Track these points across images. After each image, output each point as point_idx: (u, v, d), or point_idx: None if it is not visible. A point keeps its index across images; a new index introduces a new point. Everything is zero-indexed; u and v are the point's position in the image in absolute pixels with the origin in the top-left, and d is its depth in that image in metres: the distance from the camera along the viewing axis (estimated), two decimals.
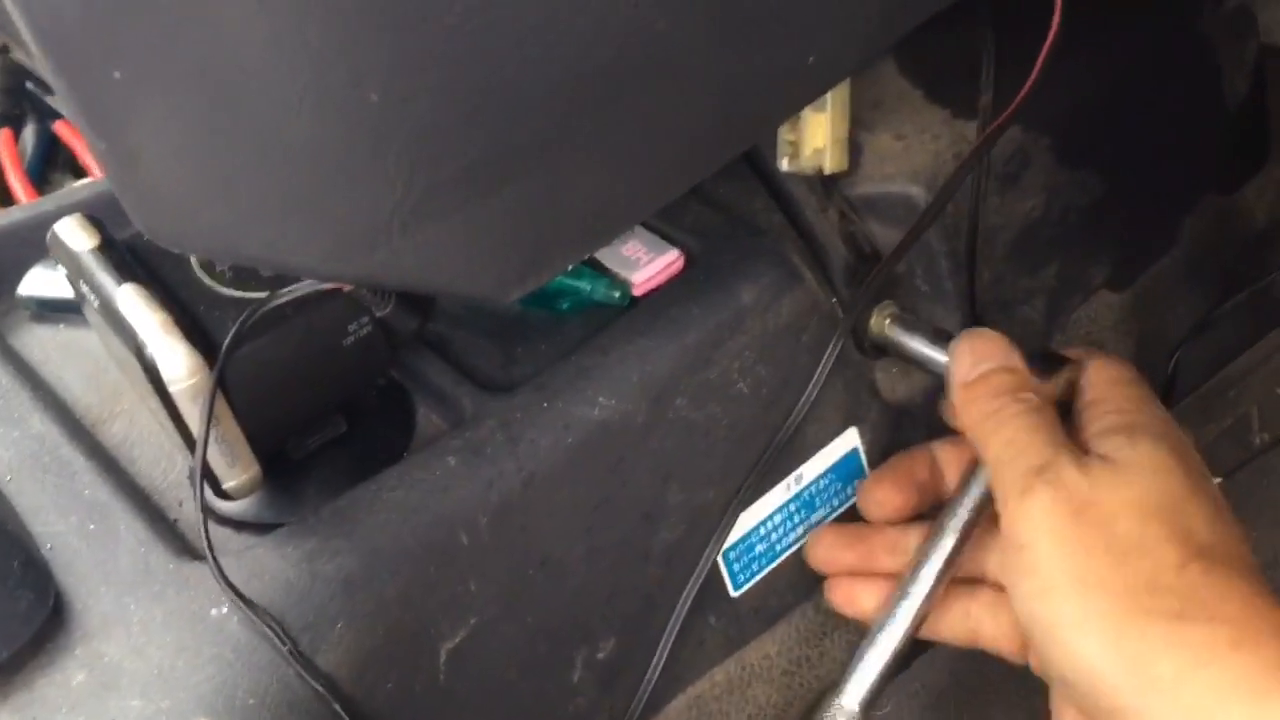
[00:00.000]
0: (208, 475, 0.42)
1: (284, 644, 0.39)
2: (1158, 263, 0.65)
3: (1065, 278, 0.61)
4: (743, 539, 0.53)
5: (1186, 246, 0.66)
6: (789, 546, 0.55)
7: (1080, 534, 0.40)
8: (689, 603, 0.50)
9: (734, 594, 0.54)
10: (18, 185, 0.73)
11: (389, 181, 0.27)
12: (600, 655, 0.50)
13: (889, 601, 0.48)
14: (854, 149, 0.53)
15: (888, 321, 0.52)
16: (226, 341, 0.40)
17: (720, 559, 0.52)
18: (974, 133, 0.53)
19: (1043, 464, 0.42)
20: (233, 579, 0.40)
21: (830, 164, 0.50)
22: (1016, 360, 0.46)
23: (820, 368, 0.50)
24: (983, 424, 0.44)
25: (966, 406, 0.45)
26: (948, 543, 0.47)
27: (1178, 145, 0.64)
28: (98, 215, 0.44)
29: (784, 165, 0.50)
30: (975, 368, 0.46)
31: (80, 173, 0.75)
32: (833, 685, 0.48)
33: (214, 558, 0.40)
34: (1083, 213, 0.59)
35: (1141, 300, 0.64)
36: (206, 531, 0.40)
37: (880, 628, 0.48)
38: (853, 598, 0.51)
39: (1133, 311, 0.64)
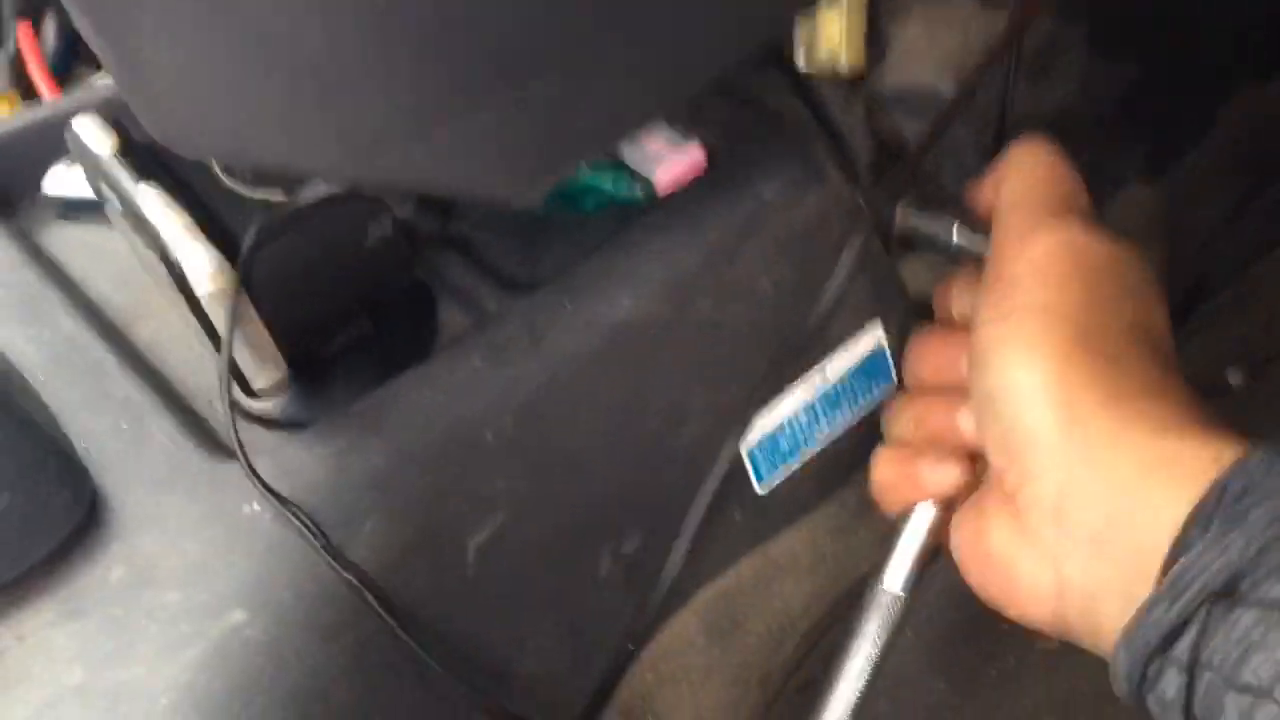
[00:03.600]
0: (236, 375, 0.42)
1: (316, 540, 0.40)
2: (1190, 154, 0.64)
3: (1096, 170, 0.59)
4: (768, 435, 0.53)
5: (1220, 137, 0.64)
6: (813, 443, 0.55)
7: (1066, 274, 0.41)
8: (709, 498, 0.50)
9: (759, 490, 0.54)
10: (40, 80, 0.72)
11: (401, 82, 0.27)
12: (626, 550, 0.51)
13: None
14: (880, 41, 0.52)
15: (913, 211, 0.52)
16: (248, 243, 0.40)
17: (745, 455, 0.53)
18: (1003, 21, 0.52)
19: (1053, 214, 0.43)
20: (264, 477, 0.41)
21: (846, 61, 0.49)
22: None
23: (842, 262, 0.50)
24: (1010, 174, 0.45)
25: (1005, 172, 0.46)
26: None
27: (1214, 30, 0.62)
28: (118, 113, 0.43)
29: (800, 61, 0.50)
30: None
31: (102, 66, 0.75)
32: (873, 571, 0.49)
33: (244, 455, 0.41)
34: (1115, 102, 0.58)
35: (1173, 192, 0.63)
36: (235, 430, 0.41)
37: (914, 511, 0.48)
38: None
39: (1164, 203, 0.63)
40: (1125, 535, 0.37)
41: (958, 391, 0.45)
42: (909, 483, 0.48)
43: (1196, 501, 0.35)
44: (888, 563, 0.49)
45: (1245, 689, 0.32)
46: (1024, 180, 0.44)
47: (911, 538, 0.49)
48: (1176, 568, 0.34)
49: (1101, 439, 0.38)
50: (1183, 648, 0.34)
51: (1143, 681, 0.35)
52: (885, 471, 0.49)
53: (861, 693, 0.48)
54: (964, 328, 0.46)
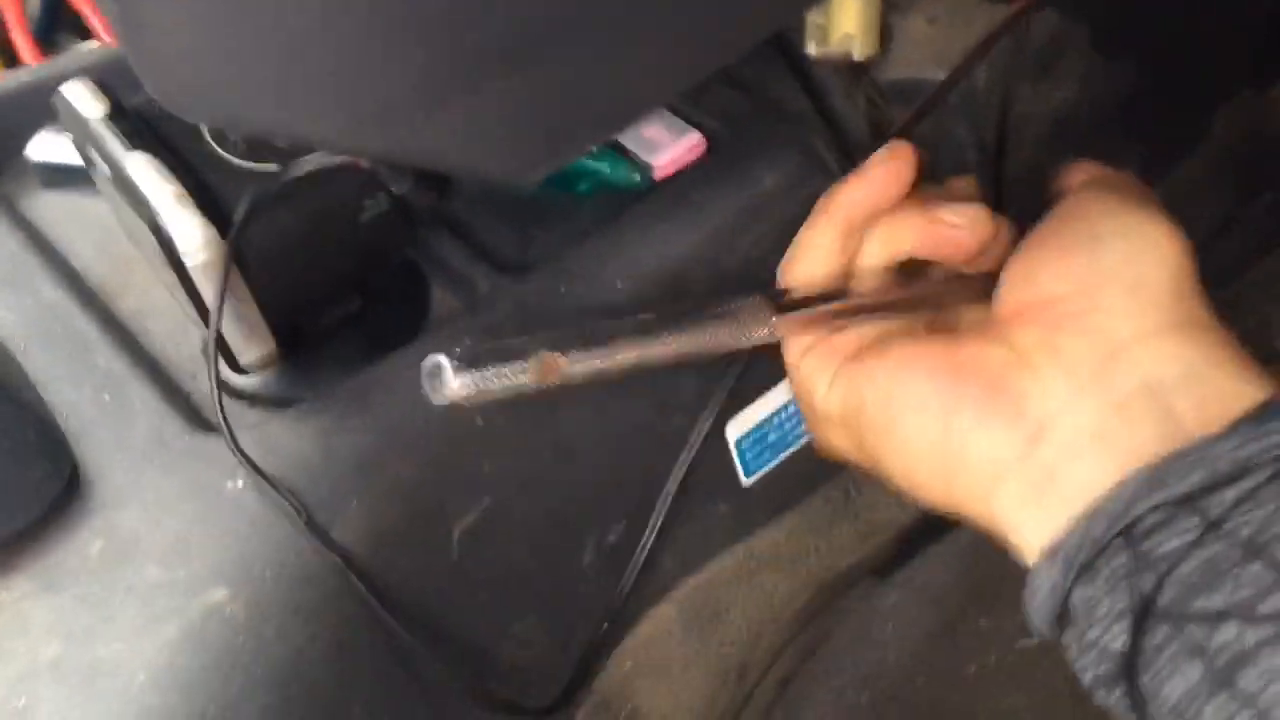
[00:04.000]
0: (223, 349, 0.41)
1: (300, 515, 0.40)
2: (1186, 158, 0.64)
3: None
4: (755, 428, 0.53)
5: (1217, 142, 0.64)
6: (801, 437, 0.55)
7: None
8: (679, 481, 0.49)
9: (745, 482, 0.54)
10: (23, 45, 0.71)
11: (409, 56, 0.26)
12: (610, 539, 0.50)
13: None
14: (884, 33, 0.51)
15: None
16: (240, 214, 0.39)
17: (733, 447, 0.53)
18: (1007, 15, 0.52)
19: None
20: (248, 453, 0.40)
21: (860, 50, 0.49)
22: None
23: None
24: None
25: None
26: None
27: (1215, 34, 0.62)
28: (106, 79, 0.42)
29: (812, 50, 0.49)
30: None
31: (86, 34, 0.74)
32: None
33: (229, 429, 0.40)
34: (1115, 105, 0.58)
35: (1168, 196, 0.63)
36: (220, 404, 0.40)
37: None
38: None
39: None
40: (1176, 402, 0.36)
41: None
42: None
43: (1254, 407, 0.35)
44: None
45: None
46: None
47: None
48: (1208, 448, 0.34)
49: (1200, 315, 0.38)
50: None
51: (1094, 557, 0.35)
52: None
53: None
54: None
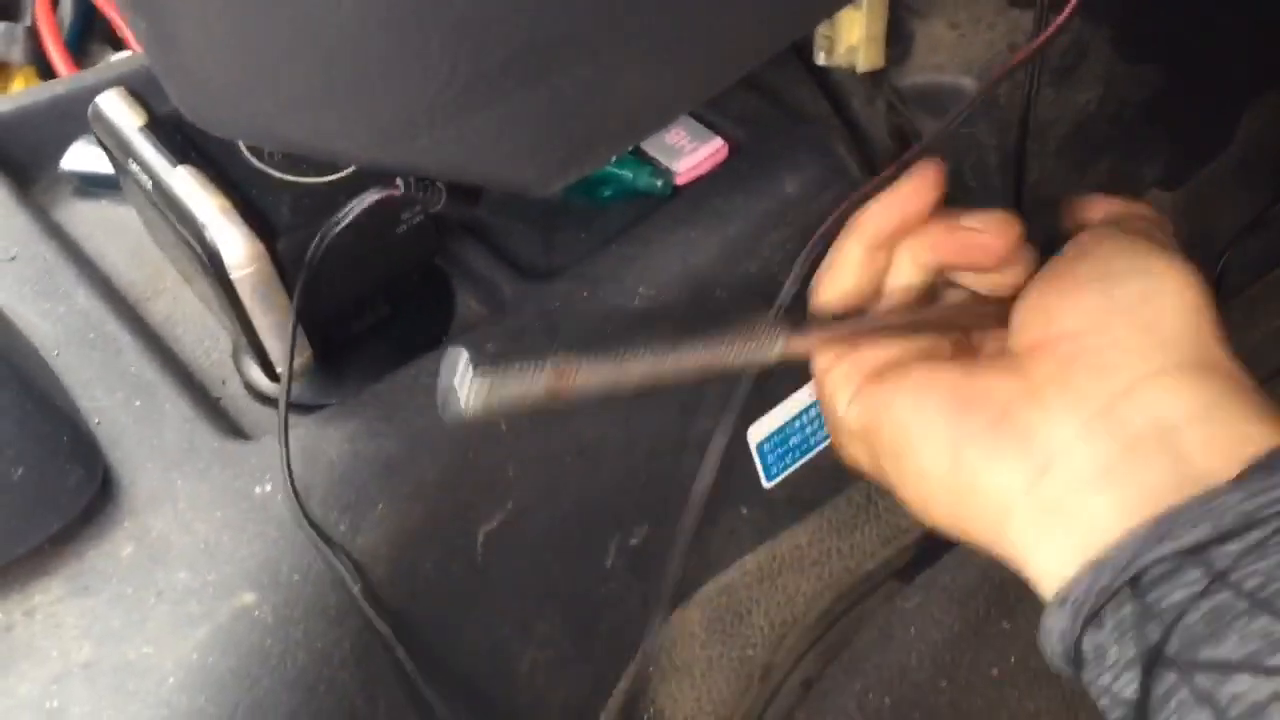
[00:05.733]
0: (261, 358, 0.42)
1: (355, 583, 0.40)
2: (1210, 162, 0.64)
3: (1116, 175, 0.59)
4: (777, 431, 0.53)
5: (1241, 145, 0.64)
6: (823, 440, 0.55)
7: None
8: (705, 486, 0.49)
9: (767, 485, 0.54)
10: (57, 57, 0.72)
11: (433, 68, 0.26)
12: (633, 542, 0.51)
13: None
14: (905, 37, 0.51)
15: None
16: (285, 226, 0.40)
17: (755, 450, 0.53)
18: (1030, 22, 0.52)
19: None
20: (276, 458, 0.41)
21: (863, 62, 0.49)
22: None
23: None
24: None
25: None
26: None
27: (1240, 37, 0.61)
28: (140, 90, 0.43)
29: (820, 60, 0.49)
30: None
31: (118, 44, 0.75)
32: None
33: (287, 442, 0.40)
34: (1139, 108, 0.57)
35: (1192, 200, 0.63)
36: (285, 423, 0.40)
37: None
38: None
39: (1183, 211, 0.63)
40: (1185, 442, 0.36)
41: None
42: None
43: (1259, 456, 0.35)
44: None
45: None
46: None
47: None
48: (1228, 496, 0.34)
49: (1216, 356, 0.38)
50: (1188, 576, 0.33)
51: (1101, 607, 0.35)
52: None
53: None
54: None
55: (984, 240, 0.42)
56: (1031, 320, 0.41)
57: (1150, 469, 0.36)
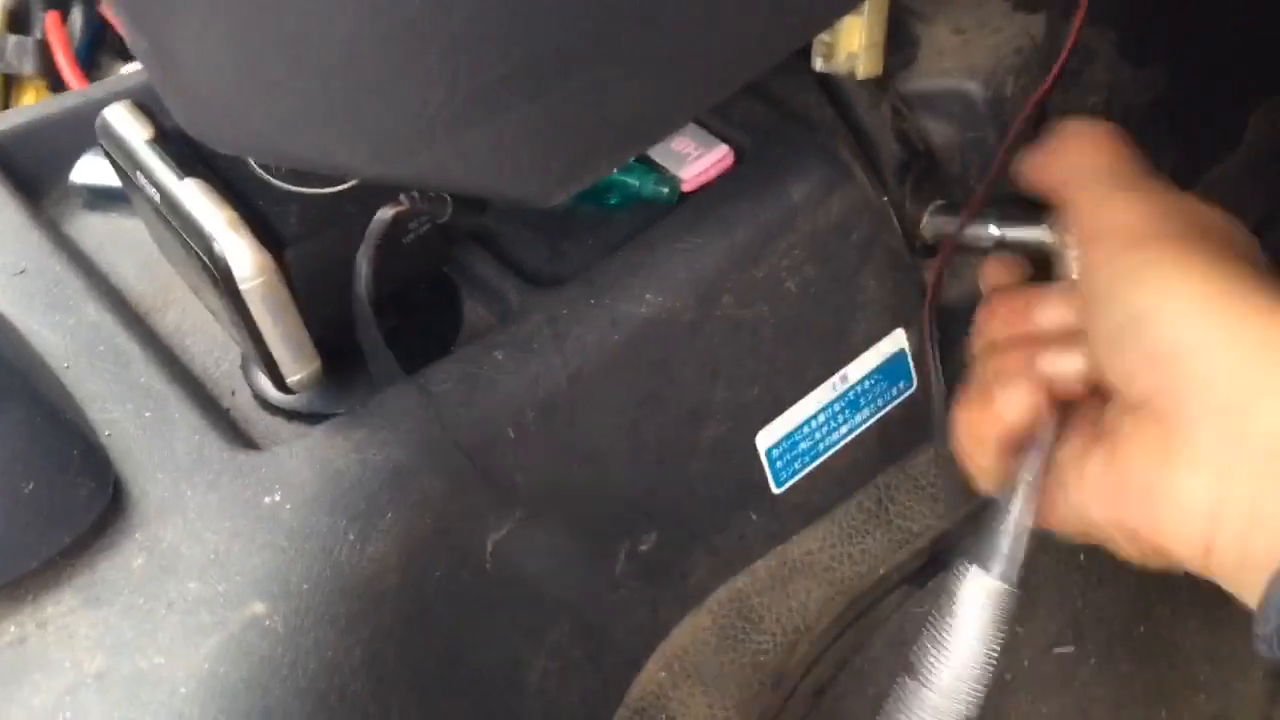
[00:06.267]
0: (271, 369, 0.42)
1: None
2: (1219, 164, 0.64)
3: None
4: (786, 436, 0.53)
5: (1249, 147, 0.64)
6: (832, 445, 0.55)
7: (1178, 223, 0.41)
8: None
9: (776, 490, 0.54)
10: (67, 70, 0.72)
11: (433, 83, 0.27)
12: (643, 548, 0.51)
13: (1016, 472, 0.45)
14: (910, 42, 0.51)
15: (946, 217, 0.51)
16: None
17: (764, 455, 0.53)
18: (1036, 26, 0.52)
19: (1139, 174, 0.43)
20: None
21: (863, 69, 0.49)
22: None
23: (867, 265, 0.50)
24: (1072, 152, 0.45)
25: (1064, 151, 0.46)
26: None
27: (1246, 40, 0.61)
28: (148, 103, 0.43)
29: (818, 66, 0.49)
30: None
31: (128, 57, 0.75)
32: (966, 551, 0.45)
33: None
34: (1145, 111, 0.57)
35: (1203, 197, 0.63)
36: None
37: (1011, 496, 0.45)
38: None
39: None
40: None
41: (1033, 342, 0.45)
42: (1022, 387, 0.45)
43: None
44: (993, 551, 0.44)
45: None
46: (1098, 152, 0.44)
47: (1020, 510, 0.44)
48: None
49: (1270, 342, 0.37)
50: None
51: None
52: (970, 413, 0.47)
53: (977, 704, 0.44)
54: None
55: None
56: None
57: None
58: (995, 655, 0.43)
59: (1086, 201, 0.43)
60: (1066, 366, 0.44)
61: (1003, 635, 0.44)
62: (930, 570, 0.60)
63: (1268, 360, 0.37)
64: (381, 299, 0.46)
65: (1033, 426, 0.45)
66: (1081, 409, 0.44)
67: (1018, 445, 0.45)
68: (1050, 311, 0.46)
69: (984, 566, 0.43)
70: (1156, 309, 0.39)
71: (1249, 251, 0.41)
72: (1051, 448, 0.44)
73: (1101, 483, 0.41)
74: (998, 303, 0.48)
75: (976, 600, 0.43)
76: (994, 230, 0.48)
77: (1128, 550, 0.42)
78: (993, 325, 0.47)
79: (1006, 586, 0.43)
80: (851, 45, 0.49)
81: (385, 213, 0.40)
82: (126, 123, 0.42)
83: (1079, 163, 0.44)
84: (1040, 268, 0.47)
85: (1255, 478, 0.37)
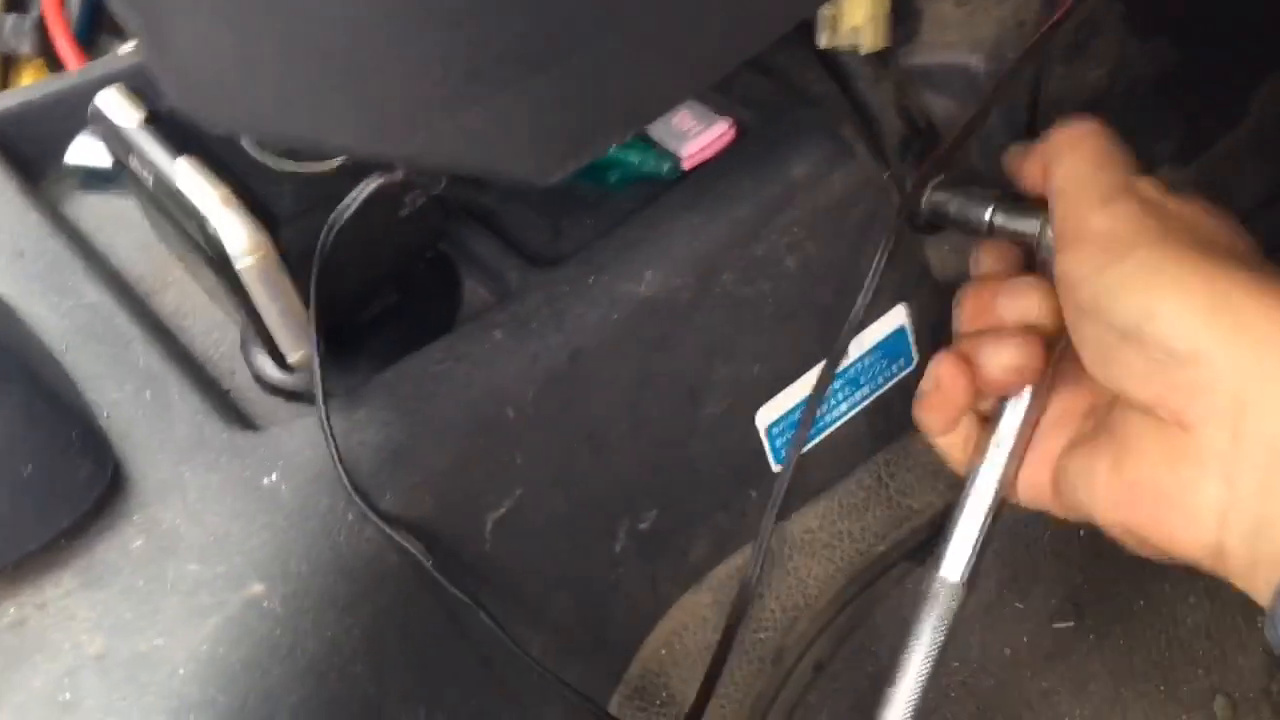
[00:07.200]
0: (270, 348, 0.42)
1: (426, 560, 0.41)
2: (1225, 138, 0.63)
3: None
4: (786, 414, 0.53)
5: (1256, 120, 0.63)
6: (832, 422, 0.55)
7: (1167, 227, 0.41)
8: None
9: (776, 468, 0.54)
10: (66, 49, 0.72)
11: (428, 62, 0.26)
12: (642, 526, 0.51)
13: (974, 466, 0.47)
14: (913, 15, 0.51)
15: (946, 193, 0.51)
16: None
17: (764, 433, 0.53)
18: (1037, 2, 0.51)
19: (1125, 180, 0.43)
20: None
21: (867, 43, 0.48)
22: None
23: (880, 253, 0.50)
24: (1065, 153, 0.45)
25: (1058, 151, 0.45)
26: (1024, 399, 0.46)
27: (1252, 14, 0.61)
28: (144, 83, 0.43)
29: (822, 42, 0.49)
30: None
31: (127, 35, 0.75)
32: (929, 559, 0.47)
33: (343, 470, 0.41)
34: (1151, 84, 0.57)
35: (1206, 175, 0.62)
36: (327, 426, 0.41)
37: (969, 494, 0.47)
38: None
39: (1196, 188, 0.62)
40: None
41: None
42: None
43: None
44: (944, 549, 0.47)
45: None
46: (1082, 159, 0.44)
47: (970, 520, 0.47)
48: None
49: (1271, 341, 0.37)
50: None
51: None
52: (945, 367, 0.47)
53: (922, 689, 0.47)
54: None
55: None
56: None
57: None
58: (936, 650, 0.46)
59: (1067, 211, 0.43)
60: (998, 359, 0.45)
61: (944, 626, 0.46)
62: (930, 546, 0.60)
63: (1270, 360, 0.37)
64: (380, 275, 0.46)
65: (992, 413, 0.47)
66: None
67: (980, 431, 0.47)
68: (1013, 304, 0.46)
69: (935, 561, 0.47)
70: (1155, 315, 0.39)
71: (1242, 248, 0.41)
72: (1020, 432, 0.46)
73: (1110, 487, 0.41)
74: (972, 291, 0.48)
75: (924, 596, 0.47)
76: (987, 216, 0.48)
77: (1136, 548, 0.42)
78: (963, 312, 0.48)
79: (954, 581, 0.46)
80: (855, 19, 0.48)
81: (372, 181, 0.40)
82: (119, 106, 0.42)
83: (1063, 172, 0.44)
84: (1032, 258, 0.47)
85: (1261, 480, 0.37)
